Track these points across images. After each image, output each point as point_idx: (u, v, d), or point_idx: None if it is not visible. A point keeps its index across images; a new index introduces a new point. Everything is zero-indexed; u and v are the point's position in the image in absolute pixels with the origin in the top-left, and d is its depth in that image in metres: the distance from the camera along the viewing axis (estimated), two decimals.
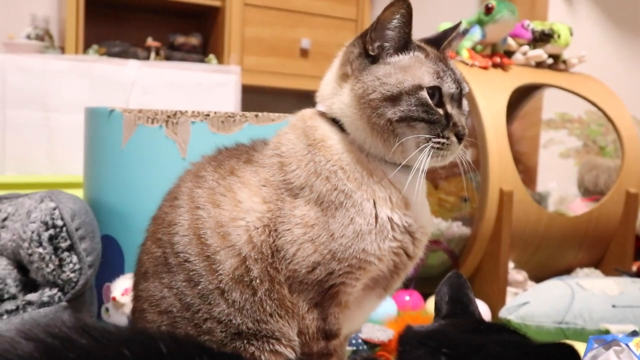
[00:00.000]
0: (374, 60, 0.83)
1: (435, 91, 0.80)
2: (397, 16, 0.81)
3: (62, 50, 2.86)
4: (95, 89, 2.29)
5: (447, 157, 0.82)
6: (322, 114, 0.87)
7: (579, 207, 2.15)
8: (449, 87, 0.82)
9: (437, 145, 0.80)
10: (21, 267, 1.14)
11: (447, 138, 0.80)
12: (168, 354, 0.64)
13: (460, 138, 0.81)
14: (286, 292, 0.81)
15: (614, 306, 1.41)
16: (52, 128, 2.25)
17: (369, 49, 0.82)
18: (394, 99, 0.79)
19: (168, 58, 3.07)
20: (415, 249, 0.86)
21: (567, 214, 2.03)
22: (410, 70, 0.81)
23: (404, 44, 0.82)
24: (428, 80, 0.80)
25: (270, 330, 0.81)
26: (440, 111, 0.80)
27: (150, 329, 0.82)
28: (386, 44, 0.82)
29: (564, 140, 2.52)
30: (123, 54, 2.90)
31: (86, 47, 2.91)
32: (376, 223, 0.80)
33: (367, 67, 0.82)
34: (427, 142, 0.79)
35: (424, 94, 0.80)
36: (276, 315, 0.81)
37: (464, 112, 0.84)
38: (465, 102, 0.85)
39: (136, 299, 0.89)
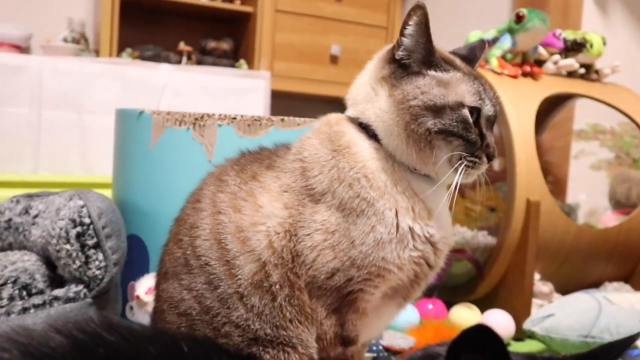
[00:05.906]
0: (406, 68, 0.82)
1: (474, 111, 0.81)
2: (411, 23, 0.81)
3: (97, 53, 2.93)
4: (128, 91, 2.33)
5: (472, 176, 0.83)
6: (351, 119, 0.87)
7: (609, 219, 2.11)
8: (488, 110, 0.83)
9: (470, 164, 0.81)
10: (49, 263, 1.17)
11: (479, 158, 0.81)
12: (189, 353, 0.68)
13: (490, 159, 0.82)
14: (306, 297, 0.81)
15: None
16: (85, 129, 2.30)
17: (395, 54, 0.82)
18: (436, 110, 0.80)
19: (199, 62, 3.12)
20: (437, 258, 0.85)
21: (596, 227, 1.99)
22: (451, 87, 0.81)
23: (426, 54, 0.82)
24: (470, 99, 0.81)
25: (288, 337, 0.81)
26: (477, 131, 0.81)
27: (171, 329, 0.84)
28: (408, 52, 0.82)
29: (595, 152, 2.47)
30: (155, 58, 2.96)
31: (120, 51, 2.98)
32: (397, 232, 0.80)
33: (402, 75, 0.82)
34: (460, 159, 0.80)
35: (466, 111, 0.80)
36: (296, 321, 0.81)
37: (494, 133, 0.85)
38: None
39: (157, 299, 0.90)
